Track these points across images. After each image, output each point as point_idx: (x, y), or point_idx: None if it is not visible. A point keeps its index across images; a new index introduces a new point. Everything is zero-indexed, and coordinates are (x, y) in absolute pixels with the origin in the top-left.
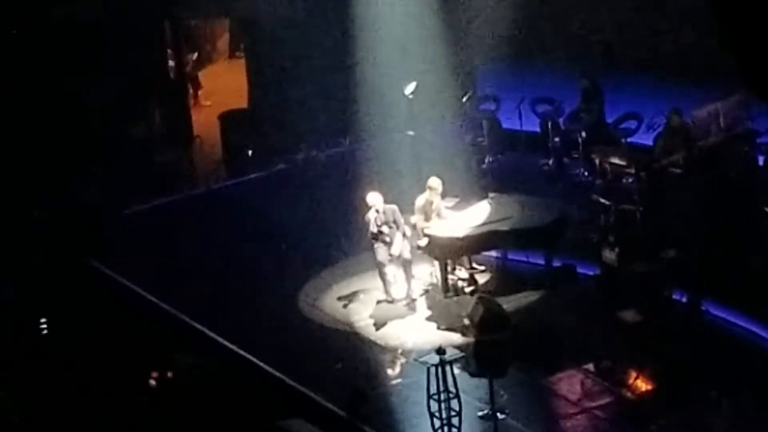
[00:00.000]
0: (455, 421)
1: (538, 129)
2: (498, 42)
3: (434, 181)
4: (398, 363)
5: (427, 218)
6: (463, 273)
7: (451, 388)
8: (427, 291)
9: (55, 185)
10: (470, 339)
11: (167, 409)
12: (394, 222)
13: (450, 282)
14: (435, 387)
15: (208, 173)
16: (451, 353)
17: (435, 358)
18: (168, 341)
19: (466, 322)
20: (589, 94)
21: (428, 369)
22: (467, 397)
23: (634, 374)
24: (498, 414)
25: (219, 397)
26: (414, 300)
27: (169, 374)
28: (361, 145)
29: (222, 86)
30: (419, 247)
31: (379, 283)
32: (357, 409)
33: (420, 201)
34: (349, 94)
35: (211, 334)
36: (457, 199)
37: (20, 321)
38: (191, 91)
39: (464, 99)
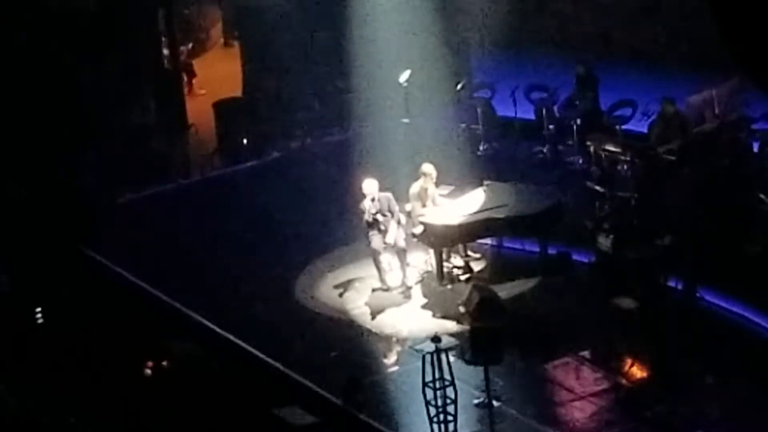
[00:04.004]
0: (451, 408)
1: (532, 116)
2: (492, 29)
3: (428, 168)
4: (393, 351)
5: (423, 205)
6: (458, 261)
7: (447, 376)
8: (422, 279)
9: (50, 173)
10: (465, 327)
11: (163, 397)
12: (389, 210)
13: (445, 270)
14: (430, 375)
15: (203, 161)
16: (446, 341)
17: (430, 346)
18: (163, 330)
19: (462, 309)
20: (584, 82)
21: (423, 357)
22: (463, 384)
23: (629, 361)
24: (494, 402)
25: (214, 385)
26: (409, 288)
27: (165, 363)
28: (355, 133)
29: (216, 75)
30: (414, 235)
31: (374, 271)
32: (352, 397)
33: (415, 188)
34: (343, 82)
35: (207, 323)
36: (452, 187)
37: (15, 310)
38: (185, 79)
39: (459, 87)
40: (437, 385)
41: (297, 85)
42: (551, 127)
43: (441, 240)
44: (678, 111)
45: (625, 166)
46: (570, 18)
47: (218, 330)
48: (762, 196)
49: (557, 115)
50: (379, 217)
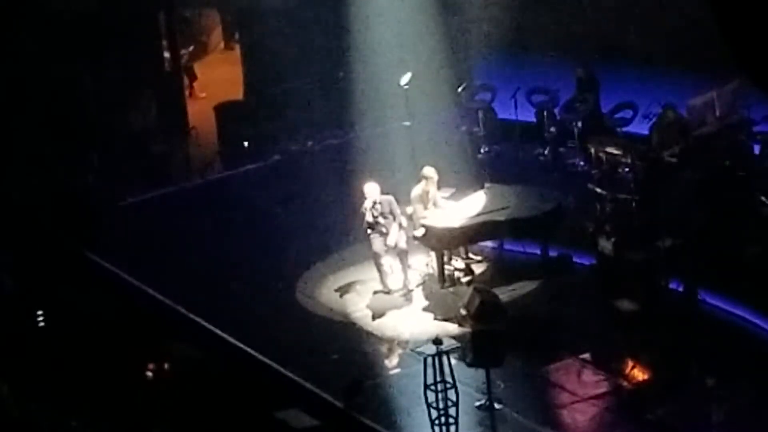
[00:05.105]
0: (452, 411)
1: (533, 119)
2: (493, 32)
3: (429, 171)
4: (395, 353)
5: (424, 208)
6: (459, 263)
7: (448, 379)
8: (423, 281)
9: (52, 176)
10: (467, 329)
11: (164, 400)
12: (390, 212)
13: (446, 272)
14: (432, 377)
15: (204, 164)
16: (447, 343)
17: (432, 349)
18: (164, 333)
19: (463, 312)
20: (585, 84)
21: (425, 359)
22: (464, 387)
23: (630, 363)
24: (495, 404)
25: (216, 388)
26: (410, 290)
27: (166, 365)
28: (356, 135)
29: (217, 78)
30: (415, 238)
31: (375, 273)
32: (353, 400)
33: (416, 191)
34: (344, 84)
35: (208, 326)
36: (453, 190)
37: (17, 312)
38: (186, 82)
39: (460, 89)
40: (439, 388)
41: (298, 88)
42: (552, 129)
43: (442, 242)
44: (679, 117)
45: (626, 169)
46: (571, 21)
47: (219, 333)
48: (763, 198)
49: (558, 117)
50: (381, 219)
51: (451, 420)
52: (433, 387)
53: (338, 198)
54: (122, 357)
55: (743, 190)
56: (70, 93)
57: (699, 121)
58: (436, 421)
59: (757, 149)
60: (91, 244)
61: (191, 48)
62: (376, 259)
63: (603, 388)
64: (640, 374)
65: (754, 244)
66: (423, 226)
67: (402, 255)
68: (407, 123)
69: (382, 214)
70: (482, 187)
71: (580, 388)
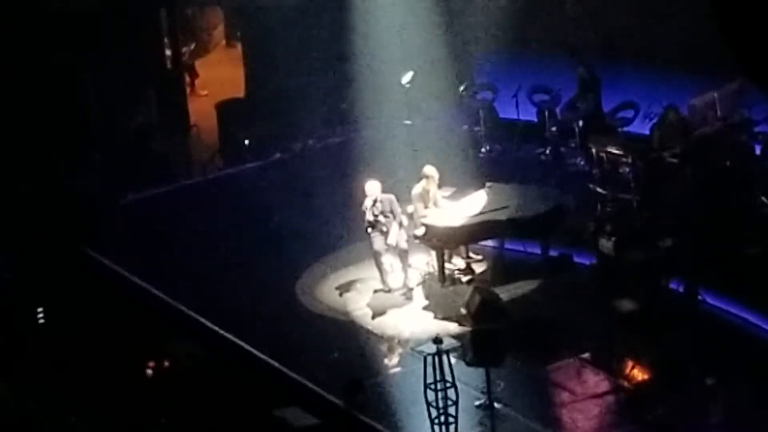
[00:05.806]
0: (452, 410)
1: (535, 118)
2: (495, 31)
3: (429, 169)
4: (395, 352)
5: (425, 207)
6: (459, 262)
7: (448, 378)
8: (423, 280)
9: (53, 173)
10: (467, 328)
11: (163, 398)
12: (391, 211)
13: (447, 271)
14: (432, 376)
15: (205, 162)
16: (447, 342)
17: (432, 348)
18: (164, 330)
19: (463, 311)
20: (586, 84)
21: (425, 358)
22: (464, 386)
23: (630, 363)
24: (495, 403)
25: (215, 386)
26: (411, 289)
27: (166, 363)
28: (357, 134)
29: (218, 75)
30: (416, 237)
31: (375, 272)
32: (353, 398)
33: (416, 190)
34: (345, 83)
35: (208, 324)
36: (454, 189)
37: (17, 310)
38: (188, 80)
39: (461, 88)
40: (438, 387)
41: (299, 86)
42: (553, 128)
43: (442, 241)
44: (680, 117)
45: (627, 168)
46: (572, 20)
47: (219, 331)
48: (763, 198)
49: (559, 117)
50: (381, 218)
51: (450, 419)
52: (432, 386)
53: (339, 196)
54: (122, 355)
55: (744, 191)
56: (71, 91)
57: (700, 121)
58: (436, 420)
59: (758, 149)
60: (92, 242)
61: (193, 46)
62: (376, 257)
63: (603, 388)
64: (639, 374)
65: (755, 244)
66: (423, 225)
67: (402, 254)
68: (408, 122)
69: (382, 212)
70: (483, 187)
71: (580, 388)
